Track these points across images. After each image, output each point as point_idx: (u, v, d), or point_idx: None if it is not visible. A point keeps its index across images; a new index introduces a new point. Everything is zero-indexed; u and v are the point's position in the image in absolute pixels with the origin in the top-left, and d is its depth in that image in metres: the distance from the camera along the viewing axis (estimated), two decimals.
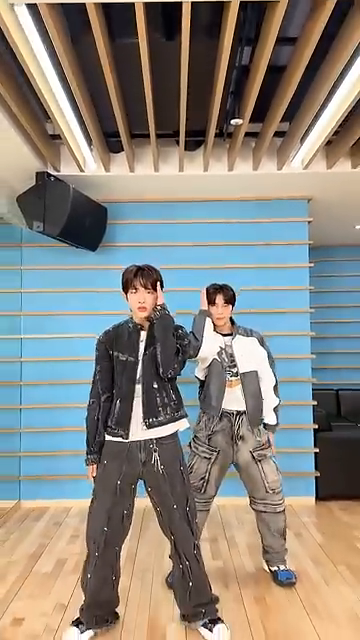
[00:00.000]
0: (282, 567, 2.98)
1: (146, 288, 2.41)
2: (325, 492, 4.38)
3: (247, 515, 3.89)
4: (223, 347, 2.98)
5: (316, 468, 4.38)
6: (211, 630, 2.38)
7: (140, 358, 2.41)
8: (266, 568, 3.08)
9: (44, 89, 2.77)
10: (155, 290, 2.44)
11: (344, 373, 6.22)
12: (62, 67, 2.59)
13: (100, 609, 2.42)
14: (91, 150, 3.66)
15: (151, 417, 2.37)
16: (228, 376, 2.94)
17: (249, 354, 2.98)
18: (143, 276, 2.41)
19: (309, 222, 4.50)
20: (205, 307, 2.95)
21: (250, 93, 2.82)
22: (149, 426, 2.37)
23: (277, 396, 3.04)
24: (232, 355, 2.96)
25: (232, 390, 2.94)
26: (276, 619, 2.55)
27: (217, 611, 2.48)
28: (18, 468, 4.35)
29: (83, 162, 3.79)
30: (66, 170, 3.85)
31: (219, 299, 2.96)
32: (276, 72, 2.83)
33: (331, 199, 4.48)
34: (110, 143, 3.71)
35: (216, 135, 3.49)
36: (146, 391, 2.38)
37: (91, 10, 2.16)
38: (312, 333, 4.45)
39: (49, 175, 3.70)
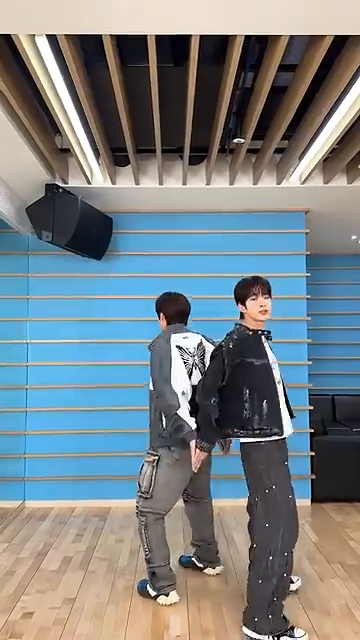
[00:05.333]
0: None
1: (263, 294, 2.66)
2: (320, 494, 4.53)
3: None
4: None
5: (312, 471, 4.53)
6: None
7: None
8: (200, 564, 3.19)
9: (56, 106, 2.92)
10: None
11: (340, 379, 6.36)
12: (74, 86, 2.73)
13: None
14: (98, 164, 3.82)
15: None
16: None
17: None
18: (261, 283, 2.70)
19: (306, 233, 4.67)
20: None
21: (252, 114, 2.98)
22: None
23: None
24: None
25: None
26: None
27: None
28: (23, 469, 4.48)
29: (90, 175, 3.94)
30: (74, 182, 4.01)
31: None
32: (277, 93, 2.99)
33: (328, 212, 4.65)
34: (117, 157, 3.87)
35: (218, 151, 3.64)
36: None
37: (106, 39, 2.32)
38: (309, 340, 4.61)
39: (57, 187, 3.86)
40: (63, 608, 2.75)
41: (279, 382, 2.63)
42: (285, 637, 2.38)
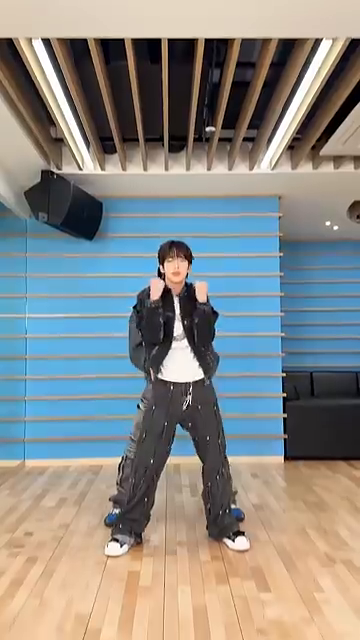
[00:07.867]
0: None
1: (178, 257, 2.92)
2: (293, 453, 5.00)
3: None
4: None
5: (285, 432, 5.00)
6: (233, 540, 2.90)
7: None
8: None
9: (51, 101, 3.36)
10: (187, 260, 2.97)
11: (317, 357, 6.80)
12: (66, 83, 3.18)
13: (133, 523, 2.90)
14: (89, 151, 4.27)
15: None
16: None
17: None
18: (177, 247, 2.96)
19: (280, 217, 5.13)
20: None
21: (220, 106, 3.44)
22: None
23: None
24: None
25: None
26: None
27: (237, 527, 2.97)
28: (23, 431, 4.94)
29: (82, 162, 4.39)
30: (67, 169, 4.46)
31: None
32: (242, 87, 3.45)
33: (299, 197, 5.11)
34: (105, 145, 4.32)
35: (195, 139, 4.09)
36: None
37: (91, 41, 2.77)
38: (281, 314, 5.08)
39: (52, 173, 4.31)
40: (59, 530, 3.21)
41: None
42: None
